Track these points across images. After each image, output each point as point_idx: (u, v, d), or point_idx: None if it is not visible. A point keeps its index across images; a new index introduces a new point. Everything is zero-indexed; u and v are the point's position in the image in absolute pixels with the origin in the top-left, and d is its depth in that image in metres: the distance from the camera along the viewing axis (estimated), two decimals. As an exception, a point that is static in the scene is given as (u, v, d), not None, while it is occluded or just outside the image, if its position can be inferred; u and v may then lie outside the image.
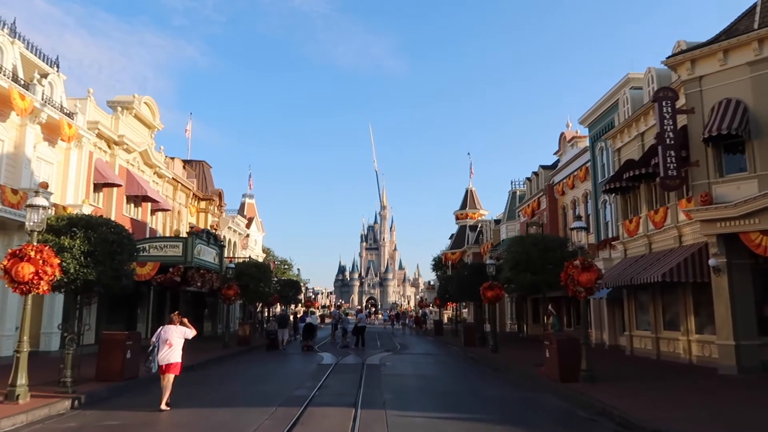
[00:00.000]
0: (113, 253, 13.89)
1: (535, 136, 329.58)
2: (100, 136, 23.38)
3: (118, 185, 23.79)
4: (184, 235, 24.95)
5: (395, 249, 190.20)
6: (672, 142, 16.63)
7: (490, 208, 71.26)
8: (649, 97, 21.20)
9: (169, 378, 11.05)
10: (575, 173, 31.38)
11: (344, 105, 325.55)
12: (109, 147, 24.32)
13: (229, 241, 46.10)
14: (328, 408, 11.27)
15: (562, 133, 33.51)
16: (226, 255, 43.17)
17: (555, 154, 34.95)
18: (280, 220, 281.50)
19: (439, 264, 66.16)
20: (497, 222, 50.02)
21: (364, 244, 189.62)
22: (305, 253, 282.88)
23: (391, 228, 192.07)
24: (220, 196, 39.65)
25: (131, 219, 26.28)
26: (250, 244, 54.89)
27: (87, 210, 21.51)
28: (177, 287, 27.69)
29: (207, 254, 25.36)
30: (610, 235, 26.32)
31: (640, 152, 21.65)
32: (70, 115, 21.34)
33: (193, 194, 35.70)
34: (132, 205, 26.53)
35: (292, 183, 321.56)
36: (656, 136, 17.02)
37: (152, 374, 14.63)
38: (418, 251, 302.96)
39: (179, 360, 11.19)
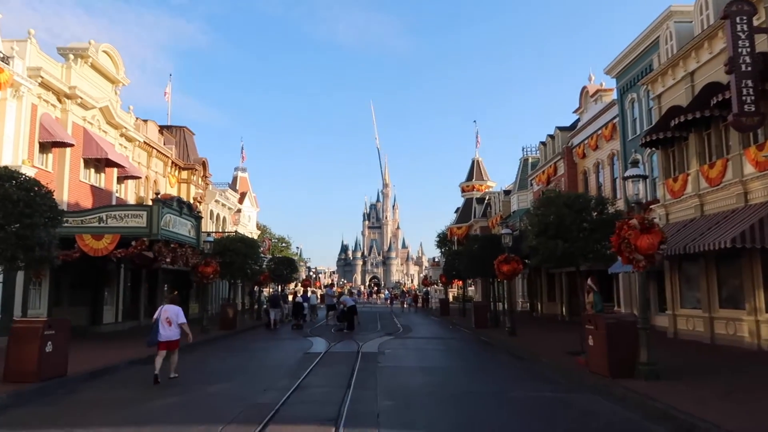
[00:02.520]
0: (20, 216, 10.50)
1: (547, 105, 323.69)
2: (46, 86, 19.80)
3: (70, 144, 20.25)
4: (150, 203, 21.48)
5: (398, 227, 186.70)
6: (749, 69, 13.00)
7: (498, 180, 67.74)
8: (700, 28, 17.51)
9: (173, 353, 11.62)
10: (599, 132, 27.73)
11: (346, 83, 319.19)
12: (60, 101, 20.74)
13: (218, 215, 42.79)
14: (295, 426, 7.91)
15: (584, 88, 29.73)
16: (215, 230, 40.01)
17: (575, 112, 31.23)
18: (281, 199, 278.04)
19: (443, 240, 62.72)
20: (507, 193, 46.48)
21: (367, 222, 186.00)
22: (307, 232, 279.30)
23: (393, 206, 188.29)
24: (204, 165, 36.08)
25: (91, 186, 22.81)
26: (243, 221, 51.55)
27: (28, 172, 18.05)
28: (150, 264, 24.31)
29: (180, 226, 21.92)
30: (643, 199, 22.74)
31: (689, 96, 18.02)
32: (4, 59, 17.77)
33: (172, 162, 32.15)
34: (92, 170, 23.03)
35: (293, 163, 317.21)
36: (728, 62, 13.37)
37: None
38: (421, 229, 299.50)
39: (178, 337, 11.67)
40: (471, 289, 59.87)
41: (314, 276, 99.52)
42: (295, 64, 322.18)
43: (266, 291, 47.94)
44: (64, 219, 19.06)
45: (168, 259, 20.97)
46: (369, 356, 15.71)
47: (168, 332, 11.45)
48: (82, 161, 21.95)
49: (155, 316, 11.71)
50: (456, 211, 61.07)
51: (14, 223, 10.38)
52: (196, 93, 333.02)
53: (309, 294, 43.25)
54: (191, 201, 33.61)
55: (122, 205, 22.44)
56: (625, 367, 10.85)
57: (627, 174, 11.34)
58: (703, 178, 17.21)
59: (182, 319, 11.74)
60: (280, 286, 44.41)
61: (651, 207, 21.01)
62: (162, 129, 32.83)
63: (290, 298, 42.91)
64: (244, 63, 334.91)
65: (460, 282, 52.70)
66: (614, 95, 26.36)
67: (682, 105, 18.03)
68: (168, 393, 10.40)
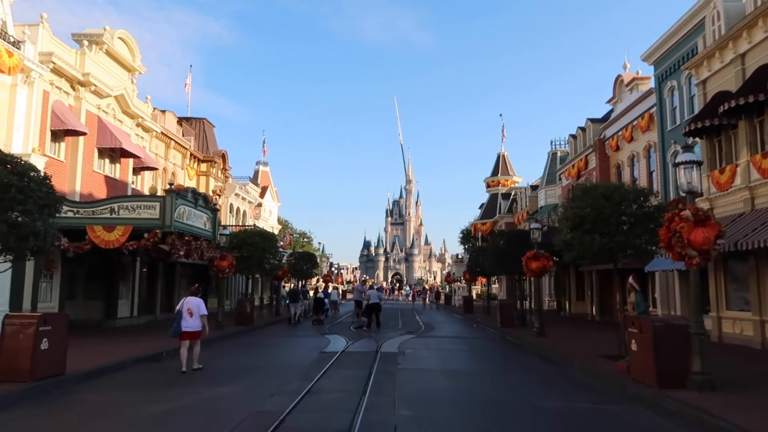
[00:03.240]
0: (12, 202, 9.76)
1: (577, 97, 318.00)
2: (59, 73, 19.22)
3: (83, 133, 19.67)
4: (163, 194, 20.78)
5: (421, 224, 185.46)
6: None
7: (525, 175, 65.90)
8: (753, 6, 16.09)
9: (196, 344, 12.01)
10: (634, 123, 26.23)
11: (370, 80, 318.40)
12: (73, 88, 20.17)
13: (238, 209, 42.24)
14: (301, 441, 6.98)
15: (619, 76, 28.20)
16: (235, 224, 39.41)
17: (608, 102, 29.71)
18: (304, 195, 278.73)
19: (467, 236, 61.53)
20: (534, 188, 44.99)
21: (390, 219, 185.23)
22: (330, 228, 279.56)
23: (416, 202, 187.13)
24: (223, 157, 35.48)
25: (105, 176, 22.25)
26: (264, 215, 51.00)
27: (38, 161, 17.50)
28: (166, 257, 23.68)
29: (195, 218, 21.21)
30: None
31: (739, 80, 16.59)
32: (15, 43, 17.21)
33: (191, 154, 31.58)
34: (107, 160, 22.47)
35: (317, 159, 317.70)
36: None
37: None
38: (444, 227, 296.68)
39: (200, 329, 12.00)
40: (495, 286, 58.51)
41: (336, 272, 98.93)
42: (319, 61, 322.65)
43: (288, 286, 47.32)
44: (76, 210, 18.63)
45: (182, 252, 20.28)
46: (388, 357, 14.72)
47: (190, 323, 11.81)
48: (96, 151, 21.39)
49: (177, 308, 12.06)
50: (480, 207, 59.69)
51: (6, 211, 9.63)
52: (222, 89, 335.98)
53: (330, 290, 42.49)
54: (210, 194, 33.04)
55: (134, 195, 21.83)
56: (674, 376, 9.66)
57: (679, 159, 10.10)
58: (755, 168, 15.79)
59: (203, 311, 12.07)
60: (301, 282, 43.72)
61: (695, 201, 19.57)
62: (181, 120, 32.31)
63: (311, 293, 42.13)
64: (269, 59, 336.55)
65: (484, 279, 51.39)
66: (652, 83, 24.86)
67: (731, 90, 16.61)
68: (169, 396, 9.56)
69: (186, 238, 20.38)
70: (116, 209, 18.67)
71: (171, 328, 11.99)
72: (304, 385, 10.30)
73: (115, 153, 22.62)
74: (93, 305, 23.27)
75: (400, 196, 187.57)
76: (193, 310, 11.93)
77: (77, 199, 19.72)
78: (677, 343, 9.89)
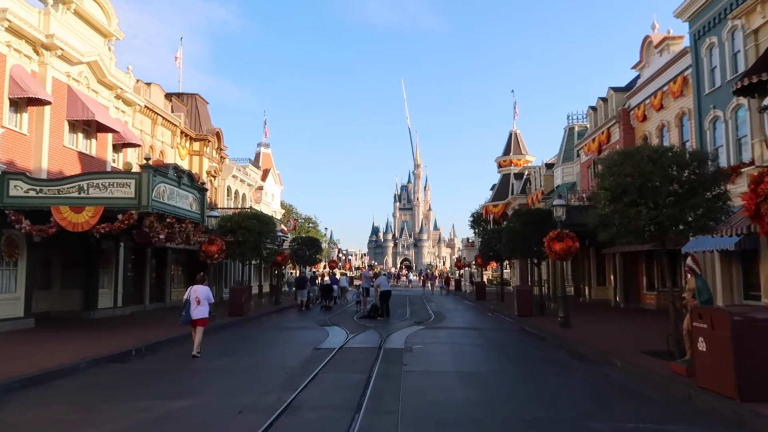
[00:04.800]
0: None
1: (595, 68, 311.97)
2: (18, 33, 16.98)
3: (47, 102, 17.46)
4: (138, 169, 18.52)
5: (430, 209, 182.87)
6: None
7: (538, 153, 63.23)
8: (823, -65, 13.47)
9: (199, 330, 12.24)
10: (665, 88, 23.65)
11: (377, 63, 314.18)
12: (36, 52, 17.91)
13: (237, 192, 40.08)
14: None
15: (647, 38, 25.55)
16: (233, 207, 37.29)
17: (634, 68, 27.07)
18: (311, 180, 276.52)
19: (477, 220, 59.19)
20: (549, 167, 42.48)
21: (398, 204, 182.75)
22: (338, 214, 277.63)
23: (425, 187, 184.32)
24: (218, 136, 33.21)
25: (79, 153, 20.05)
26: (266, 199, 48.91)
27: (-8, 133, 15.36)
28: (150, 242, 21.49)
29: (178, 198, 18.99)
30: (724, 164, 18.88)
31: (803, 26, 14.08)
32: (-39, -2, 15.00)
33: (182, 132, 29.35)
34: (80, 134, 20.26)
35: (323, 143, 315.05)
36: None
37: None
38: (453, 212, 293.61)
39: (206, 315, 12.41)
40: (507, 271, 56.23)
41: (344, 258, 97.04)
42: (326, 45, 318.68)
43: (294, 273, 45.31)
44: (39, 188, 16.42)
45: (162, 236, 18.09)
46: (392, 354, 12.54)
47: (198, 311, 12.16)
48: (66, 124, 19.19)
49: (186, 297, 12.44)
50: (492, 189, 57.22)
51: None
52: (229, 75, 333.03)
53: (338, 276, 40.55)
54: (204, 174, 30.92)
55: (106, 172, 19.56)
56: (760, 387, 7.43)
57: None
58: (825, 129, 13.32)
59: (210, 299, 12.53)
60: (308, 268, 41.67)
61: (741, 171, 17.21)
62: (170, 96, 30.04)
63: (319, 280, 40.04)
64: (276, 45, 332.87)
65: (495, 264, 49.15)
66: (686, 42, 22.23)
67: (792, 38, 14.12)
68: (106, 414, 7.43)
69: (168, 220, 18.20)
70: (85, 187, 16.49)
71: (181, 317, 12.32)
72: (284, 397, 8.16)
73: (90, 127, 20.43)
74: (71, 295, 21.30)
75: (409, 181, 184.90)
76: (200, 298, 12.25)
77: (44, 176, 17.61)
78: (764, 343, 7.64)
